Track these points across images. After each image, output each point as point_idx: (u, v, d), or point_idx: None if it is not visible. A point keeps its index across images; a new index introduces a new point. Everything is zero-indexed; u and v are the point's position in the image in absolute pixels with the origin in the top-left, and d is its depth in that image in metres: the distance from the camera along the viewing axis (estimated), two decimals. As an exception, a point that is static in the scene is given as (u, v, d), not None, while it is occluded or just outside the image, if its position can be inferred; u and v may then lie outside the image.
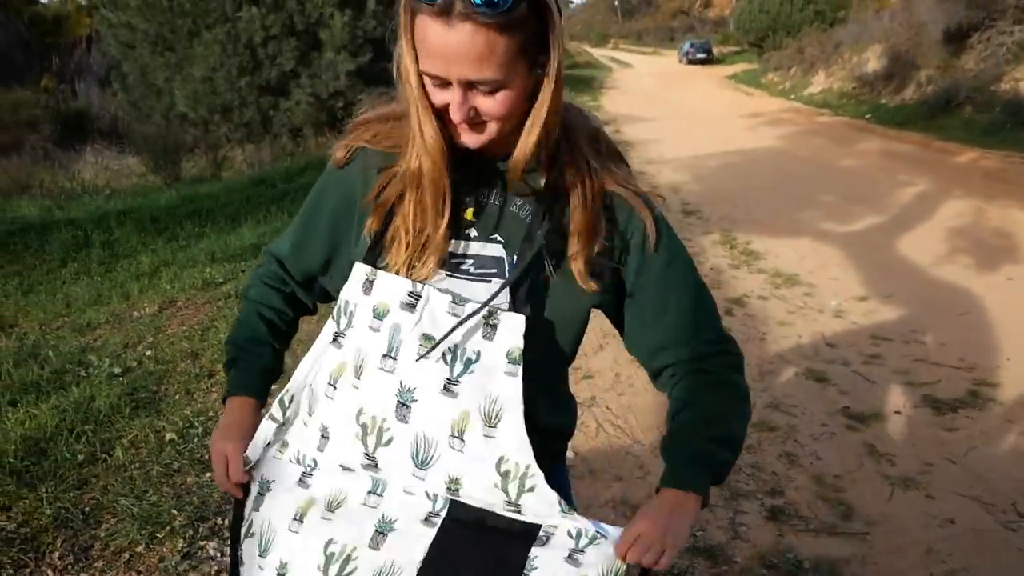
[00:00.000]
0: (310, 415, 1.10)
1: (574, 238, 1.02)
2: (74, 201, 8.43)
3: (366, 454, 1.03)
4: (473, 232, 1.05)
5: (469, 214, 1.05)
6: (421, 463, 1.01)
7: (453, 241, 1.04)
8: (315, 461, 1.09)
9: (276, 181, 8.30)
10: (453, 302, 1.01)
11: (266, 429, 1.12)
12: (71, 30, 24.06)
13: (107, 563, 2.32)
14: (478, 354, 1.00)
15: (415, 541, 1.01)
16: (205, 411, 3.27)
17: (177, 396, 3.44)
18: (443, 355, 1.00)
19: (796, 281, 5.01)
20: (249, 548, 1.11)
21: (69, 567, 2.30)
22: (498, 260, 1.04)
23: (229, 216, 7.08)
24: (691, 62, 35.73)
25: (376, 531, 1.02)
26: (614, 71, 34.97)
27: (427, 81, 0.94)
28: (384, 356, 1.02)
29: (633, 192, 1.06)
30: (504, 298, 1.01)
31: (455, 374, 1.00)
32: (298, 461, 1.11)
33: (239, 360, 1.20)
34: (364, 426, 1.03)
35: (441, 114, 0.97)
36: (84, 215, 7.05)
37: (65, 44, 23.57)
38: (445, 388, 1.00)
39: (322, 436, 1.08)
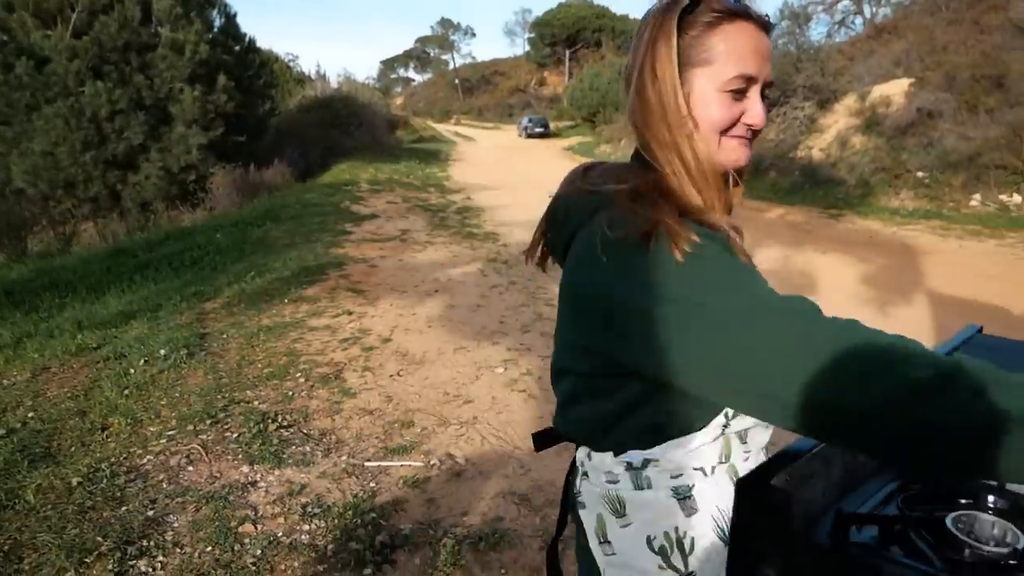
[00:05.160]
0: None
1: None
2: (-91, 280, 8.00)
3: None
4: None
5: None
6: None
7: None
8: None
9: (137, 251, 8.25)
10: None
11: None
12: None
13: (39, 589, 2.46)
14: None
15: None
16: (107, 458, 3.39)
17: (73, 448, 3.53)
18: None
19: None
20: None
21: (-1, 600, 2.42)
22: None
23: (90, 286, 7.00)
24: (530, 136, 37.13)
25: None
26: (459, 144, 35.93)
27: (713, 99, 0.97)
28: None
29: None
30: None
31: None
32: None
33: None
34: None
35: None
36: (-71, 293, 6.79)
37: None
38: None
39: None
